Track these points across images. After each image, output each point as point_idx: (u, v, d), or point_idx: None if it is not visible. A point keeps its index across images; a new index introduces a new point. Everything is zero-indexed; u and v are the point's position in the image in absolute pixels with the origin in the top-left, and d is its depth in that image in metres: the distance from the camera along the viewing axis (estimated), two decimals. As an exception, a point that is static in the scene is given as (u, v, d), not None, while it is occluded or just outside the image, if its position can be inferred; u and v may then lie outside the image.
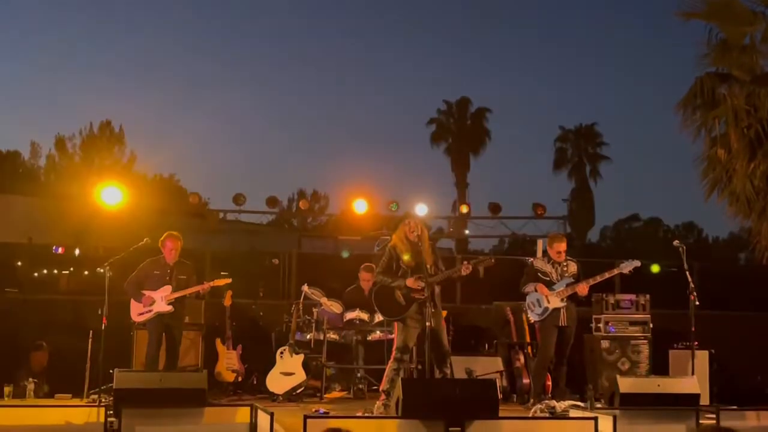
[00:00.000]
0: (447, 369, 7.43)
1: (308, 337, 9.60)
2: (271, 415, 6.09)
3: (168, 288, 8.65)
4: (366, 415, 7.13)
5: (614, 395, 7.24)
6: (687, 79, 11.27)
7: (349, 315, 9.61)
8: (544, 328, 8.55)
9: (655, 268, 11.32)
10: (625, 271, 8.66)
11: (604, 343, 9.52)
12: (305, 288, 9.71)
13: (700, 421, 6.75)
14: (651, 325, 9.60)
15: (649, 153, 69.80)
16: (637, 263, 8.64)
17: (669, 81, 59.71)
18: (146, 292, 8.64)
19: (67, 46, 63.63)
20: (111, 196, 12.71)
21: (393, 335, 7.90)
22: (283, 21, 69.15)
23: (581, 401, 8.37)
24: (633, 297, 9.68)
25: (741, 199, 10.82)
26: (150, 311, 8.59)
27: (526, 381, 9.31)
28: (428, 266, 7.40)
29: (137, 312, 8.67)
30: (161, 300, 8.59)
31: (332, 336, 9.58)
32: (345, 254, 12.21)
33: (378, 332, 9.62)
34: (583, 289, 8.50)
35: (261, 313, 10.51)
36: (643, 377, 8.64)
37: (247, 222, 20.59)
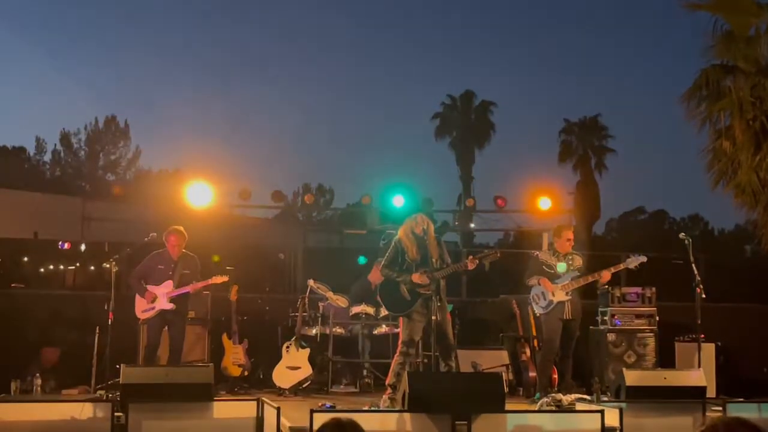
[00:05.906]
0: (452, 362, 7.42)
1: (314, 331, 9.61)
2: (278, 409, 6.10)
3: (170, 283, 8.64)
4: (372, 409, 7.14)
5: (620, 388, 7.23)
6: (692, 71, 11.23)
7: (355, 309, 9.62)
8: (549, 321, 8.54)
9: None
10: (631, 266, 8.61)
11: (611, 336, 9.52)
12: (311, 282, 9.72)
13: (707, 414, 6.74)
14: (657, 318, 9.61)
15: (654, 145, 69.67)
16: (644, 258, 8.56)
17: (674, 73, 59.63)
18: (149, 287, 8.65)
19: (72, 41, 63.77)
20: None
21: (399, 329, 7.90)
22: (286, 15, 69.15)
23: (587, 394, 8.37)
24: (639, 290, 9.67)
25: (746, 191, 10.79)
26: (153, 308, 8.59)
27: (532, 374, 9.30)
28: (434, 260, 7.40)
29: (141, 309, 8.66)
30: (163, 297, 8.59)
31: (338, 330, 9.60)
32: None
33: (384, 326, 9.63)
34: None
35: (267, 308, 10.51)
36: (650, 370, 8.62)
37: (252, 217, 20.57)
